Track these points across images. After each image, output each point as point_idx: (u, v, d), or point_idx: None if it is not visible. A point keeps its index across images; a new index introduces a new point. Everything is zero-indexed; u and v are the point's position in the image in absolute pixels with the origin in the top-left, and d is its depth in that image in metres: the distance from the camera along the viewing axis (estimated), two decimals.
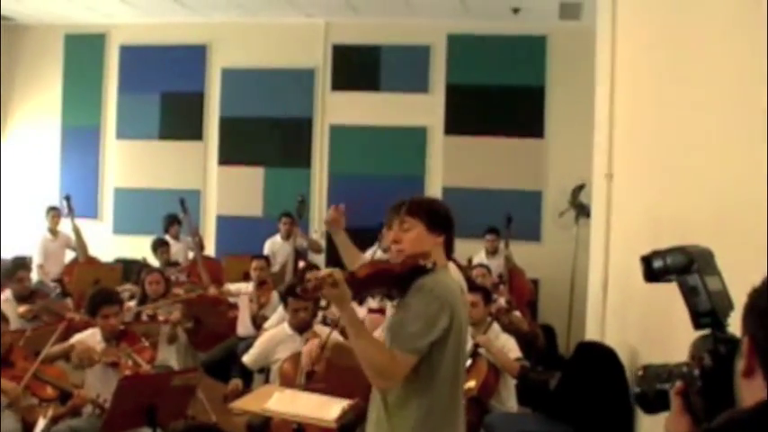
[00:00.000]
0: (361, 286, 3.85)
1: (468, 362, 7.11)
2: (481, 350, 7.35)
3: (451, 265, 4.35)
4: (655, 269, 2.59)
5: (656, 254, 2.59)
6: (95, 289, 8.03)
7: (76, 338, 7.10)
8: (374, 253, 8.16)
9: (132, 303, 9.27)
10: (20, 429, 6.22)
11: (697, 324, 2.43)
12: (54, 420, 6.07)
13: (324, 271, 3.70)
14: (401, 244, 4.03)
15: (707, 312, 2.43)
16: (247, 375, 7.81)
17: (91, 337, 7.04)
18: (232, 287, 10.75)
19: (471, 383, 7.09)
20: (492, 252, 12.52)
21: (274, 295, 10.25)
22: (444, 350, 3.84)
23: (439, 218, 4.08)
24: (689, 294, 2.48)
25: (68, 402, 6.35)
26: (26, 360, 6.45)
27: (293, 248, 12.40)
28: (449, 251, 4.15)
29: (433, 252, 3.99)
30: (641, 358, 6.31)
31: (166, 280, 9.65)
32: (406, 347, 3.77)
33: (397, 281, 3.93)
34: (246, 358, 7.52)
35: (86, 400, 6.46)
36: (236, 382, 7.34)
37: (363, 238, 8.92)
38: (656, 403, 2.51)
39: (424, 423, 3.86)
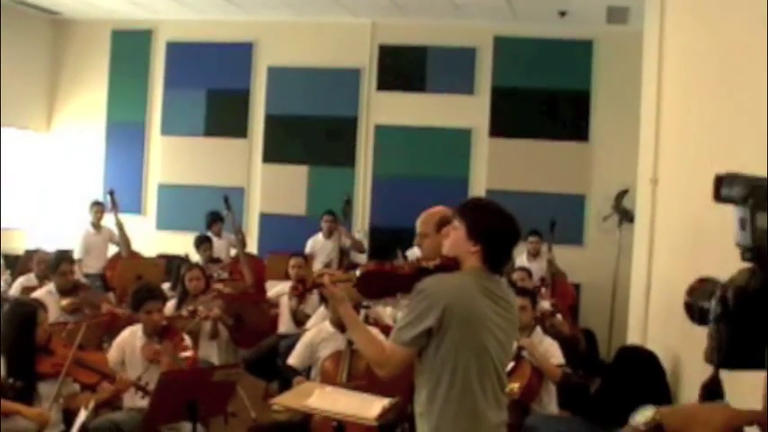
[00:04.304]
0: (368, 283, 4.09)
1: (512, 364, 7.07)
2: (524, 353, 7.31)
3: None
4: (723, 195, 2.54)
5: (726, 178, 2.53)
6: (139, 284, 8.07)
7: (115, 343, 7.17)
8: (414, 254, 8.17)
9: (172, 302, 9.29)
10: (60, 420, 6.26)
11: (742, 256, 2.42)
12: (96, 411, 6.11)
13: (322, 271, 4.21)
14: (445, 242, 4.13)
15: (749, 248, 2.40)
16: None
17: (131, 335, 7.09)
18: (271, 292, 10.69)
19: (514, 385, 7.03)
20: (534, 255, 12.49)
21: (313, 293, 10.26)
22: (443, 344, 3.88)
23: (477, 227, 4.01)
24: (738, 225, 2.44)
25: (111, 387, 6.37)
26: (66, 348, 6.47)
27: (338, 247, 12.40)
28: (489, 262, 4.02)
29: (467, 260, 4.01)
30: (683, 363, 6.27)
31: (207, 277, 9.65)
32: (393, 338, 3.98)
33: (403, 282, 4.05)
34: (292, 360, 7.46)
35: (128, 384, 6.47)
36: (300, 379, 7.23)
37: (405, 238, 8.97)
38: (700, 318, 2.54)
39: (443, 413, 3.91)
